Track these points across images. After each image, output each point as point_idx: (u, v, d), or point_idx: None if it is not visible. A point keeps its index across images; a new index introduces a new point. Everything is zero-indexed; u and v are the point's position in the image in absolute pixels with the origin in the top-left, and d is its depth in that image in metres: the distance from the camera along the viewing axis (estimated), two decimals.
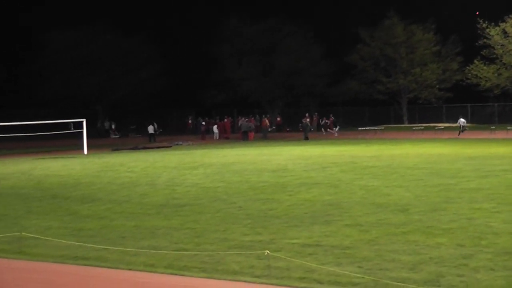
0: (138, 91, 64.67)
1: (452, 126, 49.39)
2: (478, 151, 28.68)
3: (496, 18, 53.16)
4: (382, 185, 17.42)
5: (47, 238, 11.49)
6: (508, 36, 53.59)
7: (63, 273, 9.68)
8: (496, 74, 55.20)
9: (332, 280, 8.47)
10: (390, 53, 65.08)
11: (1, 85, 63.41)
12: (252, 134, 50.08)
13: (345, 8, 75.28)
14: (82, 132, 38.91)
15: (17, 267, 10.14)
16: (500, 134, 43.66)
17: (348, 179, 19.09)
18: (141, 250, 10.42)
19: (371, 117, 64.91)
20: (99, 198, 17.18)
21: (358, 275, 8.55)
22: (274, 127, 60.41)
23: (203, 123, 56.62)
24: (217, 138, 52.83)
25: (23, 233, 11.51)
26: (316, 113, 60.17)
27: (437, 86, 64.37)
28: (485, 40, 53.38)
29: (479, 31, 53.22)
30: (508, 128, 45.90)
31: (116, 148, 41.78)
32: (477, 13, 59.24)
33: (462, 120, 46.53)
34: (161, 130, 51.54)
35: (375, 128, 53.34)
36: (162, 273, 9.33)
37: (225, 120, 58.48)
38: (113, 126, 63.45)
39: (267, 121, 56.33)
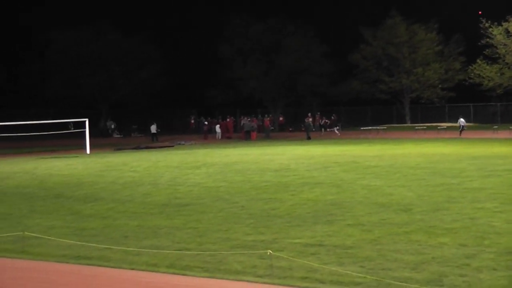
0: (139, 91, 64.74)
1: (455, 126, 49.30)
2: (481, 151, 28.64)
3: (499, 18, 53.03)
4: (385, 185, 17.42)
5: (50, 237, 11.52)
6: (511, 35, 53.46)
7: (66, 273, 9.70)
8: (498, 74, 55.06)
9: (334, 280, 8.48)
10: (392, 53, 64.99)
11: (1, 85, 63.47)
12: (254, 134, 50.09)
13: (348, 7, 75.29)
14: (84, 132, 38.96)
15: (20, 266, 10.16)
16: (502, 134, 43.59)
17: (351, 179, 19.08)
18: (143, 249, 10.44)
19: (374, 117, 64.81)
20: (102, 197, 17.20)
21: (361, 274, 8.56)
22: (272, 128, 60.18)
23: (206, 122, 56.64)
24: (220, 137, 52.82)
25: (26, 233, 11.54)
26: (318, 113, 60.13)
27: (440, 86, 64.26)
28: (487, 39, 53.25)
29: (481, 31, 53.09)
30: (511, 127, 45.83)
31: (118, 147, 41.82)
32: (480, 12, 59.15)
33: (462, 120, 46.57)
34: (159, 130, 51.52)
35: (378, 127, 53.28)
36: (165, 272, 9.35)
37: (228, 119, 58.49)
38: (112, 126, 63.51)
39: (267, 121, 56.37)
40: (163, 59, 65.41)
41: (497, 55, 54.15)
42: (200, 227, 12.47)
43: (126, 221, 13.40)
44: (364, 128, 53.49)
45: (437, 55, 64.51)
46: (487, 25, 52.88)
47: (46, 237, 11.52)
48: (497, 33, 52.86)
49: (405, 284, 8.04)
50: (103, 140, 51.93)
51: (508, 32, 53.23)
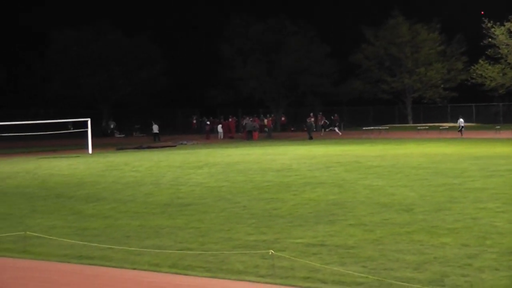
0: (139, 91, 64.76)
1: (457, 126, 49.29)
2: (483, 151, 28.62)
3: (501, 18, 53.00)
4: (387, 185, 17.40)
5: (51, 237, 11.51)
6: None
7: (67, 273, 9.69)
8: (501, 74, 55.04)
9: (336, 280, 8.46)
10: (394, 53, 65.01)
11: (1, 85, 63.51)
12: (256, 134, 50.10)
13: (348, 7, 75.31)
14: (86, 132, 38.98)
15: (22, 266, 10.16)
16: (505, 134, 43.56)
17: (353, 179, 19.06)
18: (145, 249, 10.43)
19: (376, 117, 64.82)
20: (103, 197, 17.20)
21: (363, 274, 8.54)
22: (272, 128, 60.09)
23: (208, 122, 56.68)
24: (222, 137, 52.85)
25: (28, 232, 11.53)
26: (320, 113, 60.13)
27: (442, 86, 64.28)
28: (490, 39, 53.21)
29: (484, 31, 53.06)
30: None
31: (120, 147, 41.84)
32: (482, 12, 59.09)
33: (461, 120, 46.65)
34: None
35: (380, 127, 53.28)
36: (167, 272, 9.34)
37: (230, 119, 58.50)
38: (111, 126, 63.53)
39: (269, 121, 56.39)
40: (163, 59, 65.45)
41: (499, 55, 54.12)
42: (202, 227, 12.46)
43: (128, 221, 13.39)
44: (366, 128, 53.50)
45: (439, 55, 64.53)
46: (489, 25, 52.85)
47: (48, 236, 11.52)
48: (499, 33, 52.81)
49: (407, 284, 8.02)
50: (105, 140, 51.96)
51: (511, 32, 53.19)
